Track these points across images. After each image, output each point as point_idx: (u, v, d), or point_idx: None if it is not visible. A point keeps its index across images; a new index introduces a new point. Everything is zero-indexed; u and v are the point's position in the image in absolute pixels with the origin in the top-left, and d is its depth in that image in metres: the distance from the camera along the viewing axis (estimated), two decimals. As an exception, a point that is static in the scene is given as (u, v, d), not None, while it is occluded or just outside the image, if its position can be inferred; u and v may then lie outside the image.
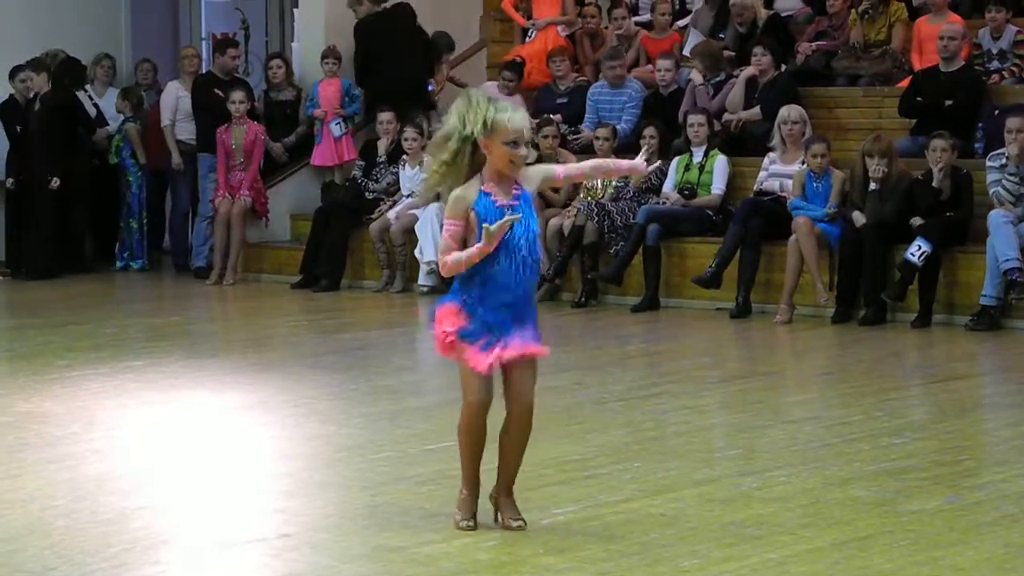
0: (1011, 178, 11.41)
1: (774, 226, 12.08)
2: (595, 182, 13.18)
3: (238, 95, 14.64)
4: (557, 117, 14.21)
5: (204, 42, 18.36)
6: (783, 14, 14.83)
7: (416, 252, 13.53)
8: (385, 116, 14.48)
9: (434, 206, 13.55)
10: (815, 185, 12.17)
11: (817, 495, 6.41)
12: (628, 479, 6.70)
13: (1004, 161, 11.49)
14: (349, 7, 15.17)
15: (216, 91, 14.98)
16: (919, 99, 12.88)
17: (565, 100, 14.74)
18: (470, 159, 5.67)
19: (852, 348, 10.72)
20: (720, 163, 12.92)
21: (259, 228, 14.99)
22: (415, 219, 13.58)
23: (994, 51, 13.40)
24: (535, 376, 5.74)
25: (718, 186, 12.87)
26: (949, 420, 8.15)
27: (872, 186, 11.77)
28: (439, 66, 15.44)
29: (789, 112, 12.60)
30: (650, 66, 14.67)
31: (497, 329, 5.64)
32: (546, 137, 13.35)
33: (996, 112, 12.47)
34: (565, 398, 8.44)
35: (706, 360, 10.34)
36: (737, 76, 13.70)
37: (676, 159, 13.06)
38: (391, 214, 13.91)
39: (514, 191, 5.69)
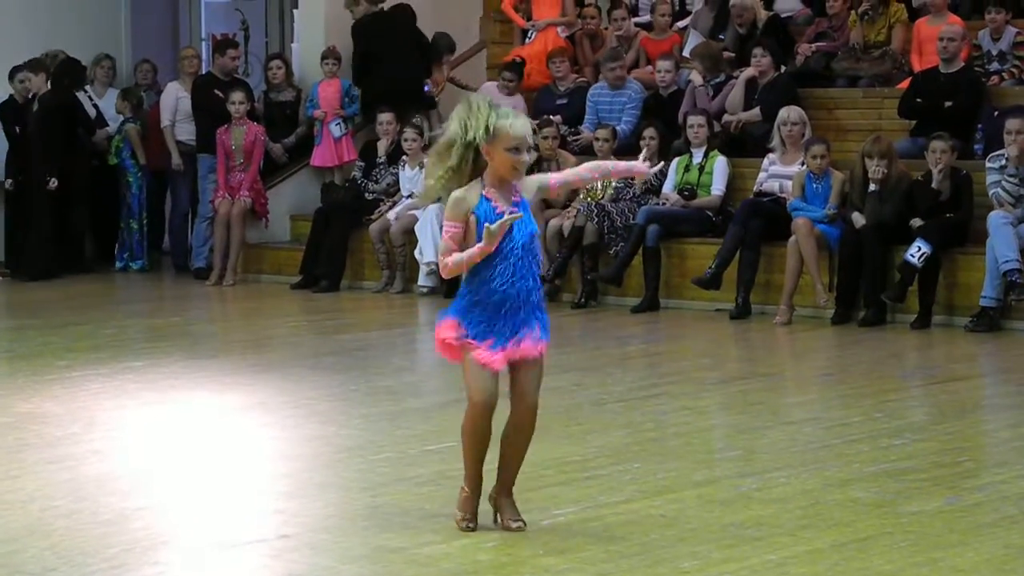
0: (1011, 179, 11.41)
1: (774, 227, 12.08)
2: (595, 183, 13.17)
3: (238, 96, 14.64)
4: (557, 118, 14.21)
5: (204, 43, 18.36)
6: (783, 15, 14.83)
7: (416, 253, 13.53)
8: (385, 117, 14.47)
9: (434, 207, 13.54)
10: (815, 186, 12.17)
11: (817, 496, 6.41)
12: (628, 480, 6.70)
13: (1004, 162, 11.49)
14: (346, 7, 15.17)
15: (216, 92, 14.98)
16: (919, 100, 12.89)
17: (565, 101, 14.74)
18: (472, 165, 5.68)
19: (852, 349, 10.72)
20: (720, 164, 12.92)
21: (259, 229, 14.98)
22: (415, 220, 13.58)
23: (994, 52, 13.41)
24: (541, 377, 5.74)
25: (718, 187, 12.88)
26: (949, 421, 8.15)
27: (872, 187, 11.77)
28: (440, 67, 15.44)
29: (789, 113, 12.61)
30: (650, 67, 14.68)
31: (502, 332, 5.64)
32: (546, 138, 13.35)
33: (996, 113, 12.48)
34: (565, 399, 8.44)
35: (706, 361, 10.34)
36: (737, 77, 13.70)
37: (676, 160, 13.07)
38: (391, 214, 13.91)
39: (514, 198, 5.70)
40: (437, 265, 13.15)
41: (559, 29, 15.60)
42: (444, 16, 15.89)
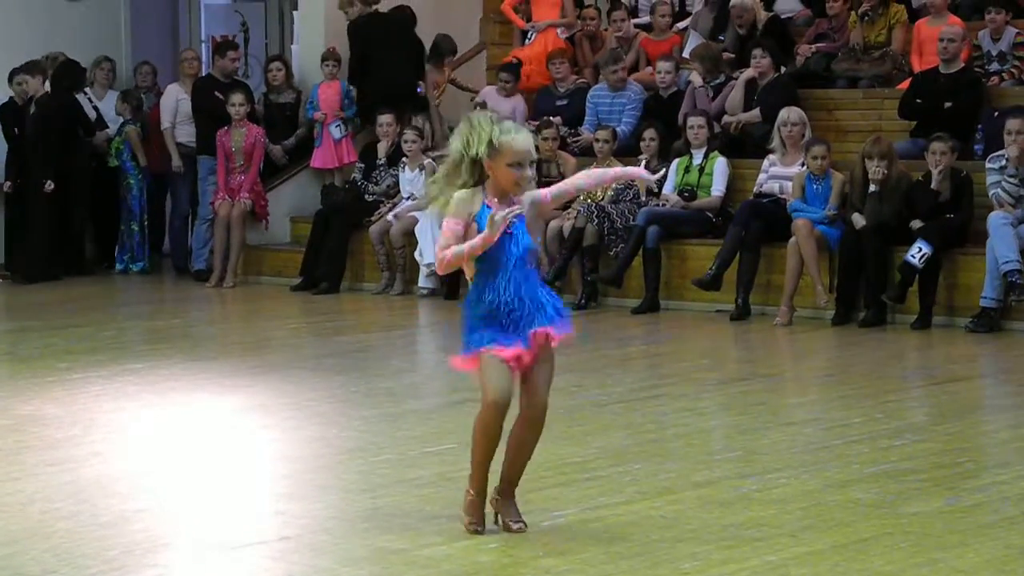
0: (1011, 180, 11.41)
1: (774, 228, 12.08)
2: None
3: (238, 98, 14.64)
4: (557, 119, 14.21)
5: (204, 44, 18.36)
6: (783, 16, 14.84)
7: (416, 254, 13.53)
8: (385, 119, 14.47)
9: (434, 208, 13.53)
10: (815, 187, 12.17)
11: (817, 497, 6.41)
12: (628, 481, 6.70)
13: (1004, 163, 11.49)
14: (340, 8, 15.17)
15: (216, 94, 14.98)
16: (919, 101, 12.89)
17: (565, 102, 14.75)
18: (477, 177, 5.68)
19: (852, 350, 10.72)
20: (720, 165, 12.92)
21: (259, 231, 14.98)
22: (415, 222, 13.57)
23: (994, 53, 13.41)
24: (552, 375, 5.74)
25: (718, 188, 12.88)
26: (949, 422, 8.15)
27: (872, 188, 11.77)
28: (441, 68, 15.45)
29: (789, 114, 12.61)
30: (650, 68, 14.68)
31: (513, 335, 5.63)
32: (546, 139, 13.35)
33: (996, 114, 12.47)
34: (565, 400, 8.44)
35: (706, 362, 10.34)
36: (737, 78, 13.70)
37: (676, 161, 13.07)
38: (389, 214, 13.91)
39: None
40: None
41: (559, 30, 15.61)
42: (444, 17, 15.89)
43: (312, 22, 15.84)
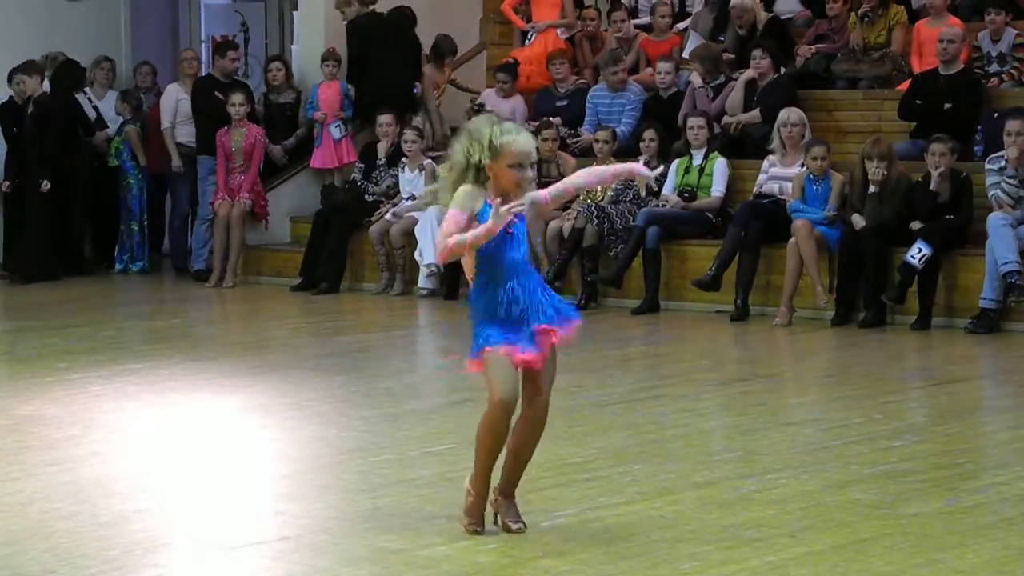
0: (1010, 181, 11.41)
1: (774, 229, 12.08)
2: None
3: (238, 98, 14.64)
4: (557, 120, 14.21)
5: (204, 44, 18.36)
6: (783, 17, 14.84)
7: (416, 255, 13.54)
8: (384, 119, 14.47)
9: (434, 209, 13.53)
10: (815, 188, 12.17)
11: (816, 498, 6.42)
12: (628, 482, 6.70)
13: (1003, 164, 11.49)
14: (337, 8, 15.17)
15: (216, 94, 14.99)
16: (918, 102, 12.89)
17: (565, 103, 14.75)
18: (482, 180, 5.68)
19: (851, 351, 10.72)
20: (720, 166, 12.92)
21: (259, 231, 14.98)
22: (415, 222, 13.58)
23: (993, 54, 13.41)
24: (554, 374, 5.74)
25: (718, 189, 12.88)
26: (948, 423, 8.15)
27: (871, 189, 11.77)
28: (441, 69, 15.45)
29: (788, 115, 12.61)
30: (649, 69, 14.68)
31: (519, 333, 5.63)
32: (545, 140, 13.35)
33: (995, 115, 12.47)
34: (565, 400, 8.43)
35: (706, 363, 10.35)
36: (736, 79, 13.70)
37: (676, 162, 13.07)
38: (388, 213, 13.91)
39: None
40: (437, 267, 13.36)
41: (559, 31, 15.61)
42: (444, 18, 15.90)
43: (312, 22, 15.84)
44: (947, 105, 12.67)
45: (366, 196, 14.36)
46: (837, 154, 12.61)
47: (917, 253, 11.28)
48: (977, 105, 12.79)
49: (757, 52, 13.63)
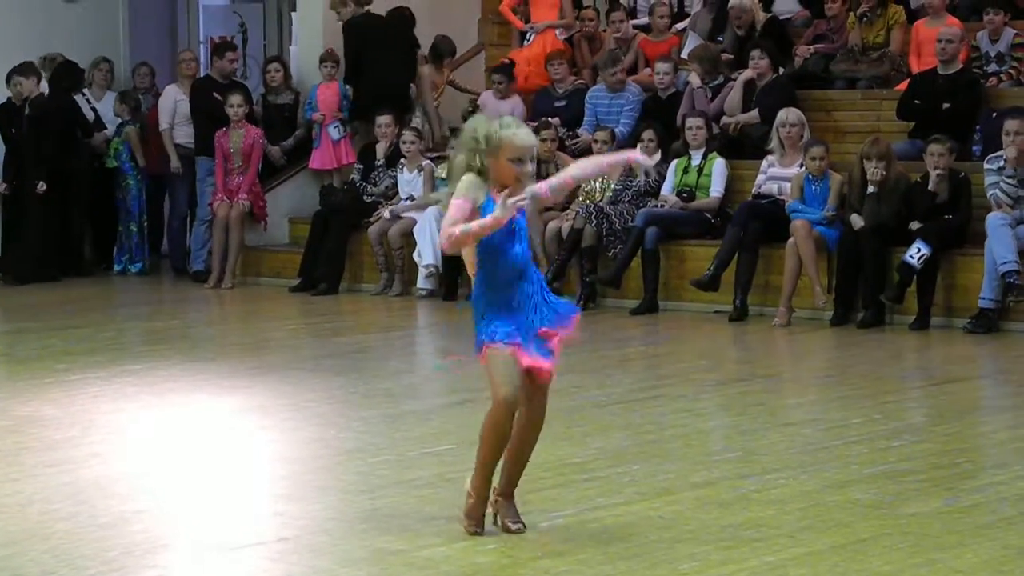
0: (1009, 181, 11.41)
1: (772, 229, 12.08)
2: (593, 184, 13.18)
3: (236, 99, 14.64)
4: (555, 120, 14.21)
5: (202, 46, 18.36)
6: (781, 17, 14.84)
7: (415, 255, 13.54)
8: (383, 120, 14.47)
9: (432, 209, 13.55)
10: (813, 188, 12.18)
11: (815, 498, 6.42)
12: (627, 482, 6.70)
13: (1002, 164, 11.49)
14: (332, 8, 15.17)
15: (214, 95, 14.99)
16: (917, 102, 12.89)
17: (563, 103, 14.75)
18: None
19: (850, 351, 10.72)
20: (718, 166, 12.93)
21: (257, 232, 14.98)
22: (413, 223, 13.58)
23: (992, 54, 13.41)
24: (552, 375, 5.74)
25: (716, 189, 12.88)
26: (947, 423, 8.15)
27: (870, 189, 11.78)
28: (440, 70, 15.45)
29: (787, 115, 12.61)
30: (648, 70, 14.68)
31: (522, 325, 5.63)
32: (544, 141, 13.35)
33: (994, 115, 12.48)
34: (564, 401, 8.43)
35: (705, 363, 10.35)
36: (735, 79, 13.70)
37: (675, 162, 13.07)
38: (386, 212, 13.91)
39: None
40: (436, 268, 13.36)
41: (557, 31, 15.61)
42: (442, 18, 15.90)
43: (310, 23, 15.84)
44: (946, 105, 12.67)
45: (365, 197, 14.36)
46: (836, 154, 12.62)
47: (916, 253, 11.28)
48: (976, 105, 12.79)
49: (756, 52, 13.63)
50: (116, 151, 15.44)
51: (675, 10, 15.65)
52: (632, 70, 14.82)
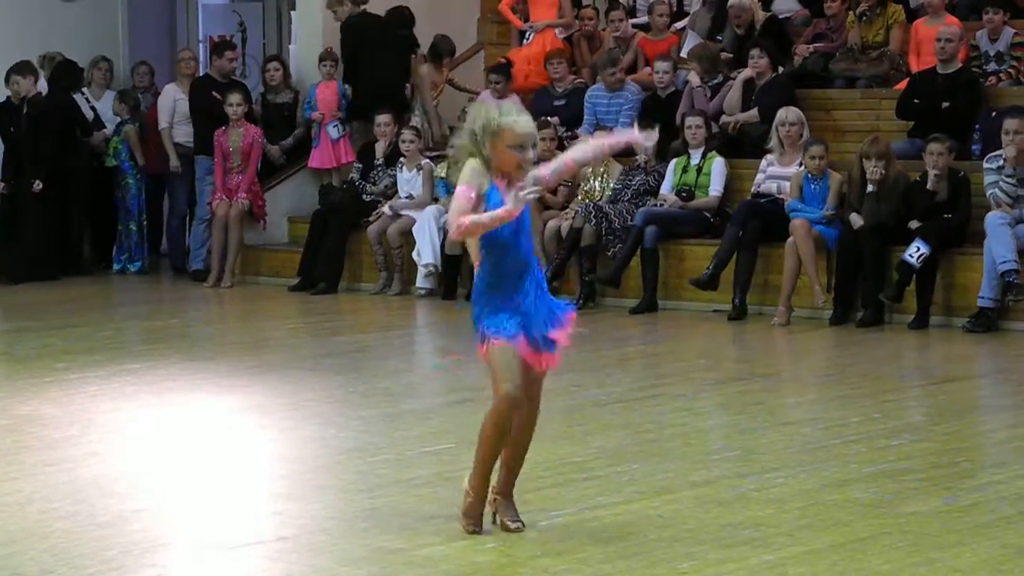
0: (1008, 180, 11.41)
1: (772, 228, 12.08)
2: (592, 184, 13.18)
3: (235, 98, 14.63)
4: (555, 119, 14.20)
5: (201, 45, 18.35)
6: (781, 16, 14.84)
7: (414, 255, 13.53)
8: (382, 119, 14.47)
9: (431, 209, 13.56)
10: (813, 187, 12.18)
11: (815, 497, 6.42)
12: (626, 481, 6.70)
13: (1001, 163, 11.49)
14: (328, 8, 15.16)
15: (213, 94, 14.98)
16: (916, 101, 12.89)
17: (563, 102, 14.75)
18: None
19: (850, 350, 10.72)
20: (718, 165, 12.93)
21: (257, 231, 14.98)
22: (412, 222, 13.58)
23: (991, 53, 13.41)
24: (551, 367, 5.75)
25: (716, 188, 12.88)
26: (946, 422, 8.15)
27: (869, 188, 11.77)
28: (439, 69, 15.45)
29: (787, 114, 12.61)
30: (648, 69, 14.68)
31: (519, 312, 5.63)
32: (543, 140, 13.32)
33: (993, 114, 12.48)
34: (564, 400, 8.44)
35: (704, 362, 10.35)
36: (735, 78, 13.70)
37: (674, 161, 13.08)
38: (386, 207, 13.92)
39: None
40: (435, 267, 13.36)
41: (557, 30, 15.61)
42: (442, 18, 15.90)
43: (310, 22, 15.84)
44: (945, 104, 12.67)
45: (364, 196, 14.35)
46: (835, 153, 12.62)
47: (915, 252, 11.28)
48: (975, 104, 12.79)
49: (755, 51, 13.62)
50: (115, 150, 15.44)
51: (674, 9, 15.64)
52: (631, 69, 14.82)
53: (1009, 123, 11.46)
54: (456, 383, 8.92)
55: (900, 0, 14.26)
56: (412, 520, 6.02)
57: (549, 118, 14.14)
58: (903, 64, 13.75)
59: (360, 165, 14.60)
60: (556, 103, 14.76)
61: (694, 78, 13.91)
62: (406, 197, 13.95)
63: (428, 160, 14.06)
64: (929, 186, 11.63)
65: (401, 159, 14.14)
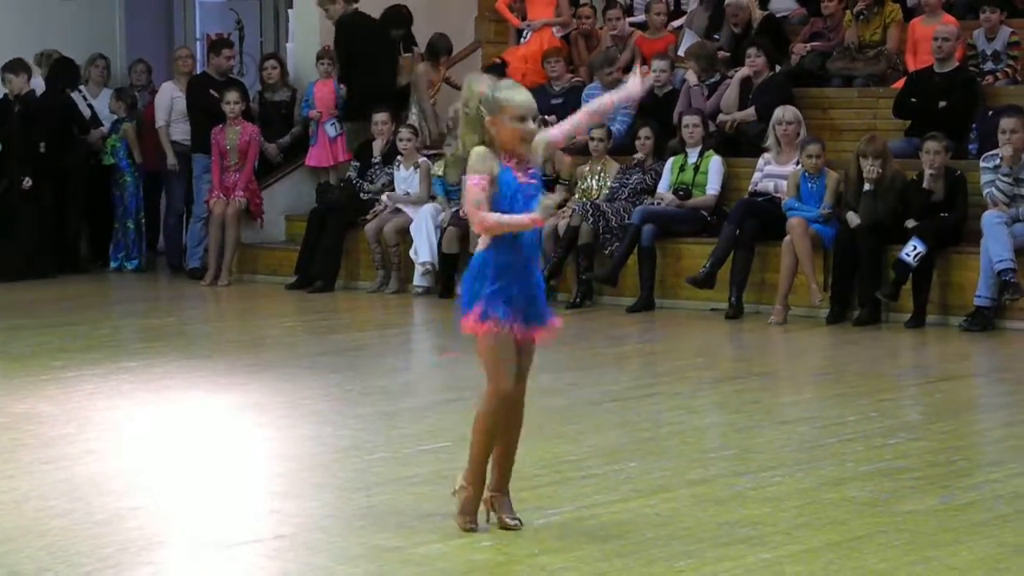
0: (1005, 179, 11.42)
1: (769, 227, 12.09)
2: (590, 182, 13.19)
3: (233, 96, 14.63)
4: (552, 118, 14.17)
5: (198, 43, 18.34)
6: (778, 15, 14.84)
7: (411, 253, 13.54)
8: (380, 117, 14.47)
9: (428, 207, 13.56)
10: (810, 186, 12.18)
11: (811, 495, 6.42)
12: (623, 479, 6.70)
13: (998, 162, 11.50)
14: (320, 6, 15.16)
15: (211, 92, 14.98)
16: (913, 100, 12.90)
17: (560, 101, 14.72)
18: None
19: (846, 348, 10.73)
20: (715, 164, 12.93)
21: (254, 229, 14.98)
22: (410, 220, 13.58)
23: (988, 52, 13.42)
24: (531, 364, 5.76)
25: (713, 187, 12.88)
26: (943, 420, 8.16)
27: (866, 187, 11.78)
28: (437, 67, 15.44)
29: (784, 113, 12.62)
30: (645, 67, 14.67)
31: (516, 293, 5.64)
32: (541, 139, 13.32)
33: (990, 113, 12.49)
34: (560, 398, 8.45)
35: (701, 360, 10.35)
36: (732, 77, 13.70)
37: (671, 160, 13.08)
38: (384, 196, 13.91)
39: (528, 169, 5.69)
40: (432, 265, 13.36)
41: (554, 29, 15.61)
42: (439, 16, 15.89)
43: (307, 20, 15.83)
44: (942, 103, 12.68)
45: (361, 194, 14.35)
46: (832, 152, 12.62)
47: (912, 251, 11.29)
48: (972, 103, 12.80)
49: (752, 50, 13.63)
50: (112, 148, 15.43)
51: (671, 8, 15.66)
52: (628, 68, 14.80)
53: (1005, 122, 11.47)
54: (453, 381, 8.93)
55: (897, -1, 14.28)
56: (409, 518, 6.03)
57: (547, 117, 14.13)
58: (900, 63, 13.76)
59: (357, 163, 14.59)
60: (553, 101, 14.73)
61: (691, 77, 13.91)
62: (404, 195, 13.94)
63: (425, 158, 14.06)
64: (926, 185, 11.64)
65: (398, 157, 14.14)
